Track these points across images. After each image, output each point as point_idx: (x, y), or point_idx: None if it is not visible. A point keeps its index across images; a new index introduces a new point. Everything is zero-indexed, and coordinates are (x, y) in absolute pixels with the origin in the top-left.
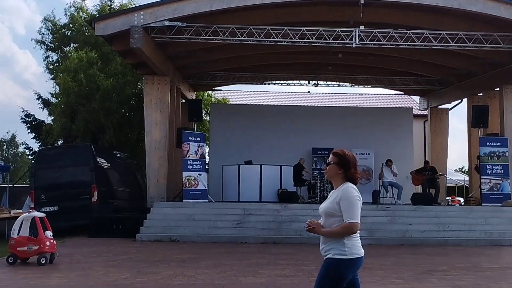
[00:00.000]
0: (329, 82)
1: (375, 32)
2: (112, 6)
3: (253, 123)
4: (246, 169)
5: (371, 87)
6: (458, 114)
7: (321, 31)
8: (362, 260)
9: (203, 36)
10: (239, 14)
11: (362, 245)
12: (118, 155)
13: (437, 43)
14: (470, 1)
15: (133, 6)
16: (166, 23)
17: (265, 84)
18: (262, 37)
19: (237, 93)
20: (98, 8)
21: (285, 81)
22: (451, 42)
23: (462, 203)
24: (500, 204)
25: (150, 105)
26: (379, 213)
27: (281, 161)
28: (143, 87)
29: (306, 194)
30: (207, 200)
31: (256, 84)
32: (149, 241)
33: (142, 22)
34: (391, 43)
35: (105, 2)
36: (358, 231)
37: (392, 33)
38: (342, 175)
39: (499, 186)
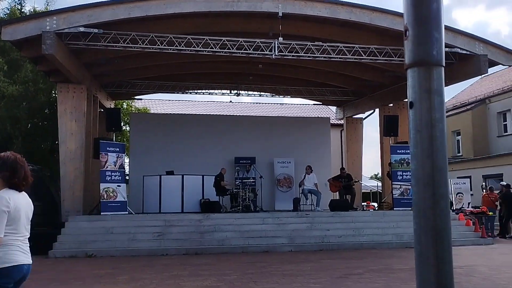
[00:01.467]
0: (250, 92)
1: (293, 44)
2: (22, 10)
3: (175, 132)
4: (168, 179)
5: (291, 97)
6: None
7: (241, 41)
8: (19, 268)
9: (121, 43)
10: (158, 22)
11: (282, 252)
12: (30, 167)
13: (351, 56)
14: (380, 17)
15: (47, 10)
16: (81, 29)
17: (186, 93)
18: (182, 46)
19: (158, 102)
20: (7, 11)
21: (206, 91)
22: (363, 55)
23: (376, 208)
24: (410, 209)
25: (64, 114)
26: (299, 220)
27: (204, 170)
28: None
29: (229, 204)
30: (127, 212)
31: (177, 93)
32: (63, 257)
33: (54, 27)
34: (309, 55)
35: (15, 5)
36: (19, 238)
37: (309, 45)
38: (1, 181)
39: (409, 191)
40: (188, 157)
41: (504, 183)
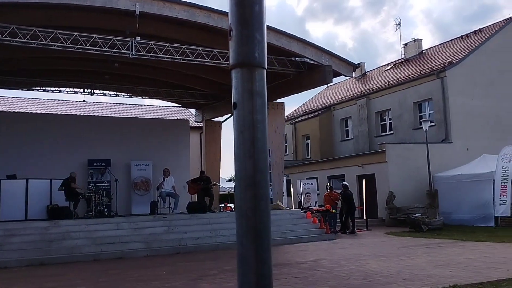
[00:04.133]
0: (106, 92)
1: (151, 45)
2: None
3: (20, 133)
4: (9, 184)
5: (150, 98)
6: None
7: (95, 38)
8: None
9: None
10: (4, 11)
11: (138, 257)
12: None
13: (210, 59)
14: None
15: None
16: None
17: (34, 90)
18: (27, 39)
19: (1, 100)
20: None
21: (57, 88)
22: (221, 60)
23: (233, 209)
24: None
25: None
26: (156, 224)
27: (53, 174)
28: None
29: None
30: None
31: (24, 90)
32: None
33: None
34: (168, 56)
35: None
36: None
37: (168, 46)
38: None
39: None
40: (35, 160)
41: (344, 183)
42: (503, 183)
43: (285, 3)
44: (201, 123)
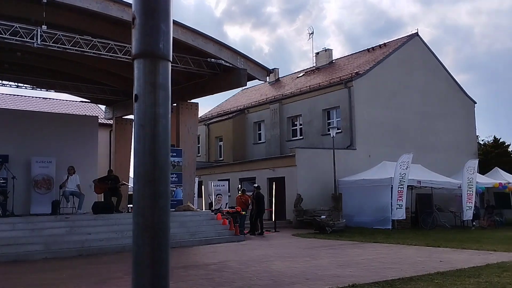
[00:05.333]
0: (5, 82)
1: (59, 35)
2: None
3: None
4: None
5: (56, 91)
6: None
7: None
8: None
9: None
10: None
11: (35, 260)
12: None
13: (122, 55)
14: None
15: None
16: None
17: None
18: None
19: None
20: None
21: None
22: None
23: None
24: (174, 210)
25: None
26: (58, 224)
27: None
28: None
29: None
30: None
31: None
32: None
33: None
34: (76, 48)
35: None
36: None
37: (77, 38)
38: None
39: (173, 193)
40: None
41: (256, 185)
42: (400, 189)
43: (204, 4)
44: (111, 120)
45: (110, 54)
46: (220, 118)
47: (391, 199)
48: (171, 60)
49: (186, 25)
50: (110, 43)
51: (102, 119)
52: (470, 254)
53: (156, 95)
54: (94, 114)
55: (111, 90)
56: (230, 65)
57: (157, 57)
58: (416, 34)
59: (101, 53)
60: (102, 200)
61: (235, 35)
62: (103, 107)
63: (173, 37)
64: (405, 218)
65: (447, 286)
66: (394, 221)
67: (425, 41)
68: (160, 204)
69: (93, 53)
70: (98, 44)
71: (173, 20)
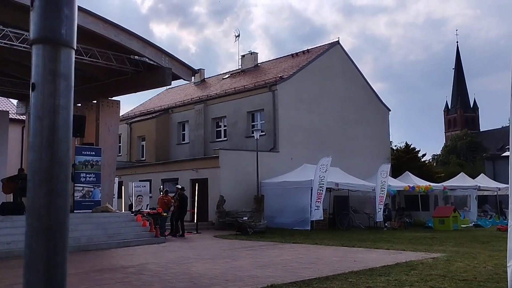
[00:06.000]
0: None
1: None
2: None
3: None
4: None
5: None
6: None
7: None
8: None
9: None
10: None
11: None
12: None
13: (19, 43)
14: None
15: None
16: None
17: None
18: None
19: None
20: None
21: None
22: None
23: None
24: (91, 211)
25: None
26: None
27: None
28: None
29: None
30: None
31: None
32: None
33: None
34: None
35: None
36: None
37: None
38: None
39: (91, 193)
40: None
41: (179, 186)
42: (319, 191)
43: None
44: (24, 116)
45: (24, 45)
46: (143, 117)
47: (310, 201)
48: (75, 48)
49: (109, 20)
50: (24, 34)
51: (14, 114)
52: (382, 253)
53: (57, 84)
54: (4, 109)
55: (24, 84)
56: (155, 64)
57: (59, 43)
58: (337, 42)
59: (14, 44)
60: (11, 200)
61: (162, 33)
62: (15, 101)
63: (93, 31)
64: (323, 219)
65: (359, 285)
66: (313, 222)
67: (346, 49)
68: (58, 203)
69: (4, 43)
70: (10, 34)
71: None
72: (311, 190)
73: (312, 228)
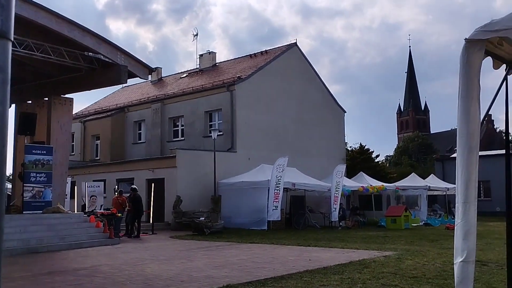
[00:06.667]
0: None
1: None
2: None
3: None
4: None
5: None
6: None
7: None
8: None
9: None
10: None
11: None
12: None
13: None
14: (23, 6)
15: None
16: None
17: None
18: None
19: None
20: None
21: None
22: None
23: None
24: (41, 212)
25: None
26: None
27: None
28: None
29: None
30: None
31: None
32: None
33: None
34: None
35: None
36: None
37: None
38: None
39: (41, 193)
40: None
41: (133, 186)
42: (276, 191)
43: None
44: None
45: None
46: (97, 116)
47: (267, 201)
48: (12, 39)
49: (61, 15)
50: None
51: None
52: (336, 252)
53: None
54: None
55: None
56: (110, 61)
57: None
58: (295, 44)
59: None
60: None
61: (118, 30)
62: None
63: (46, 26)
64: (280, 219)
65: (314, 284)
66: (270, 222)
67: (304, 51)
68: None
69: None
70: None
71: (48, 8)
72: (268, 190)
73: (268, 228)
